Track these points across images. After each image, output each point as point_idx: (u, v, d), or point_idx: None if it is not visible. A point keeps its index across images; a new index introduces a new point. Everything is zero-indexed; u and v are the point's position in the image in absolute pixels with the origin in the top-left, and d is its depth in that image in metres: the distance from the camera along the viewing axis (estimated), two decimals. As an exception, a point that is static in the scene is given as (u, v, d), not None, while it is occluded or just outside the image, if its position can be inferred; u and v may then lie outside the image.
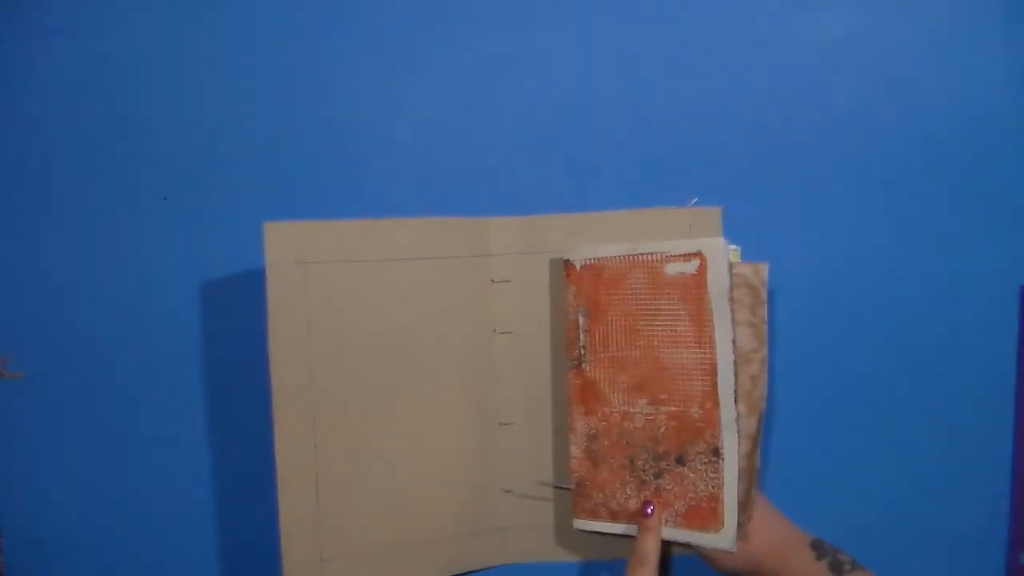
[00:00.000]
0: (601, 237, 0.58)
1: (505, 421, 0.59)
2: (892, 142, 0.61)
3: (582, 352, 0.55)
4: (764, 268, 0.52)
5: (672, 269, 0.52)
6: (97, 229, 0.62)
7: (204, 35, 0.62)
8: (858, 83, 0.61)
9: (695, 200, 0.59)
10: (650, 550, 0.48)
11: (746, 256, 0.58)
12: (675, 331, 0.52)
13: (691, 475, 0.50)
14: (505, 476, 0.59)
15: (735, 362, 0.50)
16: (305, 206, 0.61)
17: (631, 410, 0.53)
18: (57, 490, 0.63)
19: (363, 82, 0.62)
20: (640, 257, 0.53)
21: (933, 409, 0.62)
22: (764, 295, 0.50)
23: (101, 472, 0.63)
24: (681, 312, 0.52)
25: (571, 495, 0.56)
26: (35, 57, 0.62)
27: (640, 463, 0.53)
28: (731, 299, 0.50)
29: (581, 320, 0.55)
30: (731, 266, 0.50)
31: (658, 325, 0.53)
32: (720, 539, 0.49)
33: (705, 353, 0.51)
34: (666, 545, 0.52)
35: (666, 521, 0.51)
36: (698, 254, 0.51)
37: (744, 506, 0.49)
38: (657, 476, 0.52)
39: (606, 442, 0.54)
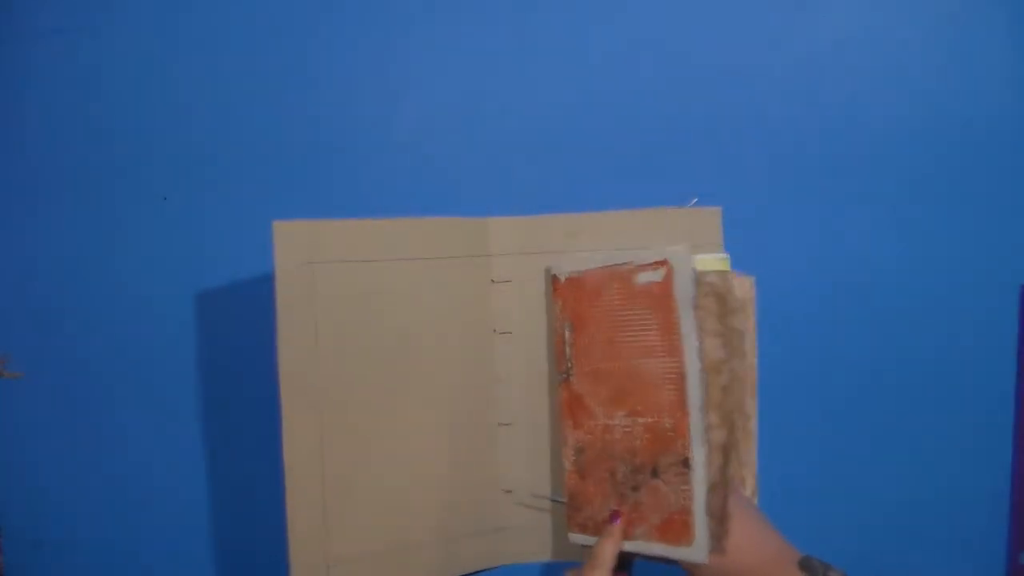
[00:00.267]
0: (601, 237, 0.58)
1: (505, 421, 0.59)
2: (892, 142, 0.61)
3: (569, 366, 0.56)
4: (734, 276, 0.51)
5: (642, 278, 0.52)
6: (97, 229, 0.62)
7: (205, 36, 0.62)
8: (858, 83, 0.61)
9: (695, 200, 0.59)
10: (606, 555, 0.50)
11: (746, 258, 0.58)
12: (647, 341, 0.52)
13: (664, 487, 0.50)
14: (505, 476, 0.59)
15: (702, 371, 0.49)
16: (305, 206, 0.61)
17: (611, 423, 0.53)
18: (57, 490, 0.63)
19: (363, 82, 0.62)
20: (616, 268, 0.53)
21: (933, 409, 0.62)
22: (733, 303, 0.49)
23: (101, 472, 0.63)
24: (652, 322, 0.51)
25: (565, 509, 0.56)
26: (35, 57, 0.62)
27: (620, 476, 0.53)
28: (695, 307, 0.49)
29: (567, 334, 0.56)
30: (696, 274, 0.50)
31: (632, 336, 0.52)
32: (693, 552, 0.48)
33: (674, 362, 0.50)
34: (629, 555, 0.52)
35: (643, 536, 0.51)
36: (664, 262, 0.51)
37: (720, 519, 0.48)
38: (634, 490, 0.52)
39: (591, 455, 0.54)
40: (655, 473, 0.51)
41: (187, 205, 0.62)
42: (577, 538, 0.55)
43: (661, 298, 0.51)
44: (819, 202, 0.62)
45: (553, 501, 0.58)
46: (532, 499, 0.59)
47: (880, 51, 0.61)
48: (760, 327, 0.56)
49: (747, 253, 0.58)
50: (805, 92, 0.62)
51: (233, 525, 0.63)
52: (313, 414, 0.54)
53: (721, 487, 0.48)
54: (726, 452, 0.49)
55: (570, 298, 0.56)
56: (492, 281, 0.59)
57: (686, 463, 0.49)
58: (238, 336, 0.61)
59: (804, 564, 0.46)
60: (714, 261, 0.57)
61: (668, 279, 0.50)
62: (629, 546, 0.51)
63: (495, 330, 0.59)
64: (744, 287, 0.55)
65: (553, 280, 0.57)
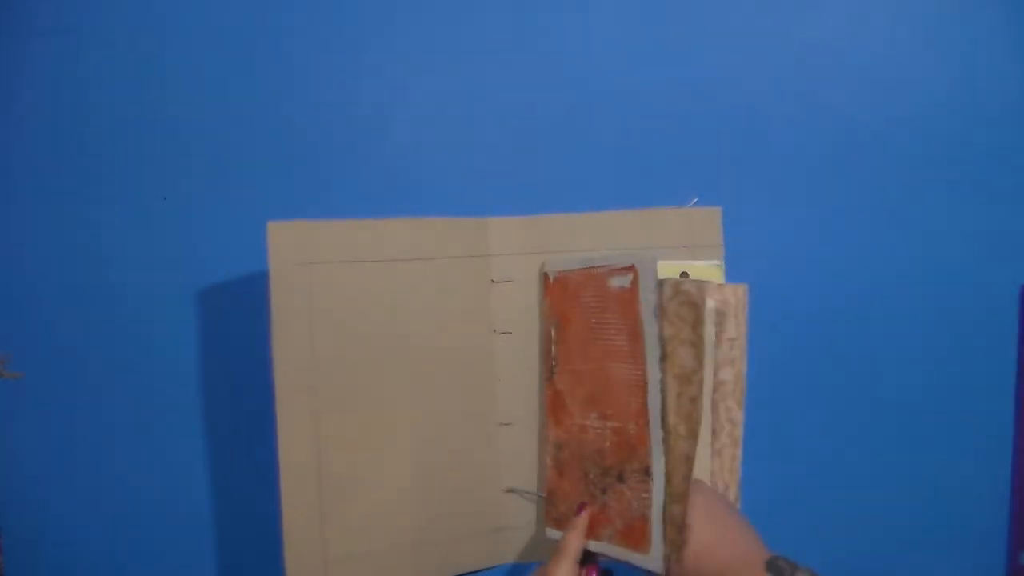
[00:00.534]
0: (601, 237, 0.58)
1: (505, 421, 0.59)
2: (892, 142, 0.61)
3: (554, 364, 0.56)
4: (707, 287, 0.51)
5: (614, 283, 0.52)
6: (97, 229, 0.62)
7: (204, 35, 0.62)
8: (857, 83, 0.61)
9: (695, 200, 0.59)
10: (571, 546, 0.50)
11: (745, 258, 0.58)
12: (616, 346, 0.52)
13: (627, 493, 0.50)
14: (505, 476, 0.59)
15: (662, 380, 0.49)
16: (305, 206, 0.61)
17: (585, 423, 0.54)
18: (57, 490, 0.63)
19: (363, 82, 0.62)
20: (593, 270, 0.53)
21: (933, 409, 0.62)
22: (704, 313, 0.49)
23: (101, 472, 0.63)
24: (621, 326, 0.51)
25: (544, 504, 0.56)
26: (34, 57, 0.62)
27: (592, 476, 0.53)
28: (657, 314, 0.49)
29: (553, 333, 0.56)
30: (666, 281, 0.50)
31: (605, 339, 0.53)
32: (649, 560, 0.48)
33: (638, 368, 0.50)
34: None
35: (608, 538, 0.51)
36: (631, 268, 0.51)
37: (680, 528, 0.48)
38: (603, 492, 0.52)
39: (568, 453, 0.55)
40: (620, 478, 0.51)
41: (187, 205, 0.62)
42: (553, 533, 0.55)
43: (629, 303, 0.51)
44: (819, 202, 0.62)
45: (536, 496, 0.58)
46: (520, 494, 0.59)
47: (880, 51, 0.61)
48: (760, 327, 0.56)
49: (746, 253, 0.58)
50: (805, 92, 0.62)
51: (231, 525, 0.63)
52: (310, 414, 0.54)
53: (685, 497, 0.48)
54: (691, 464, 0.49)
55: (557, 297, 0.56)
56: (492, 281, 0.59)
57: (647, 471, 0.49)
58: (239, 336, 0.61)
59: (771, 565, 0.44)
60: (707, 268, 0.57)
61: (635, 284, 0.50)
62: (594, 546, 0.51)
63: (495, 330, 0.59)
64: (736, 294, 0.55)
65: (544, 278, 0.57)
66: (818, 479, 0.62)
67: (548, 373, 0.57)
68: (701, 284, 0.49)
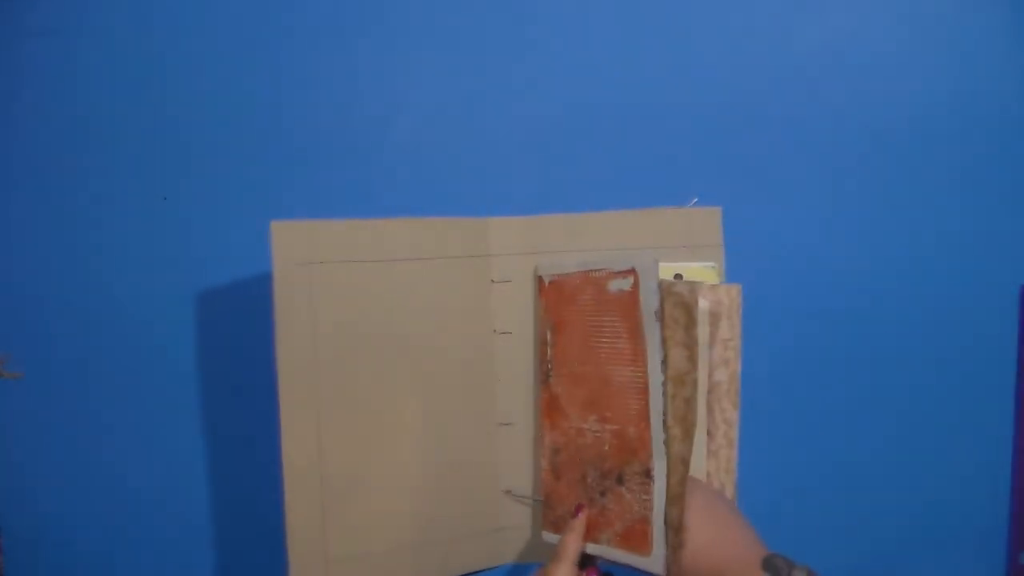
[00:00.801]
0: (601, 237, 0.58)
1: (505, 421, 0.59)
2: (892, 142, 0.61)
3: (549, 367, 0.56)
4: (699, 288, 0.51)
5: (613, 286, 0.52)
6: (97, 229, 0.62)
7: (205, 35, 0.62)
8: (858, 83, 0.61)
9: (695, 200, 0.59)
10: (569, 548, 0.50)
11: (745, 258, 0.58)
12: (617, 348, 0.52)
13: (627, 496, 0.50)
14: (505, 476, 0.59)
15: (665, 382, 0.49)
16: (305, 206, 0.61)
17: (583, 426, 0.54)
18: (57, 490, 0.63)
19: (363, 82, 0.62)
20: (591, 273, 0.53)
21: (933, 410, 0.62)
22: (697, 315, 0.49)
23: (101, 473, 0.63)
24: (621, 329, 0.51)
25: (540, 507, 0.56)
26: (34, 57, 0.62)
27: (590, 480, 0.53)
28: (659, 317, 0.49)
29: (548, 336, 0.56)
30: (661, 284, 0.50)
31: (604, 342, 0.52)
32: (651, 563, 0.48)
33: (639, 371, 0.50)
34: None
35: (607, 541, 0.51)
36: (632, 271, 0.51)
37: (677, 530, 0.48)
38: (602, 495, 0.52)
39: (565, 457, 0.55)
40: (620, 480, 0.51)
41: (187, 205, 0.62)
42: (550, 537, 0.55)
43: (630, 307, 0.51)
44: (819, 202, 0.62)
45: (533, 500, 0.58)
46: (517, 499, 0.59)
47: (880, 50, 0.61)
48: (760, 327, 0.56)
49: (746, 253, 0.58)
50: (805, 91, 0.62)
51: (232, 525, 0.63)
52: (312, 414, 0.54)
53: (681, 499, 0.48)
54: (687, 466, 0.49)
55: (552, 300, 0.56)
56: (492, 281, 0.59)
57: (648, 474, 0.49)
58: (239, 336, 0.61)
59: (767, 563, 0.44)
60: (702, 270, 0.57)
61: (635, 287, 0.50)
62: (593, 549, 0.51)
63: (495, 330, 0.59)
64: (730, 295, 0.55)
65: (539, 281, 0.57)
66: (818, 479, 0.62)
67: (543, 376, 0.57)
68: (693, 285, 0.49)
